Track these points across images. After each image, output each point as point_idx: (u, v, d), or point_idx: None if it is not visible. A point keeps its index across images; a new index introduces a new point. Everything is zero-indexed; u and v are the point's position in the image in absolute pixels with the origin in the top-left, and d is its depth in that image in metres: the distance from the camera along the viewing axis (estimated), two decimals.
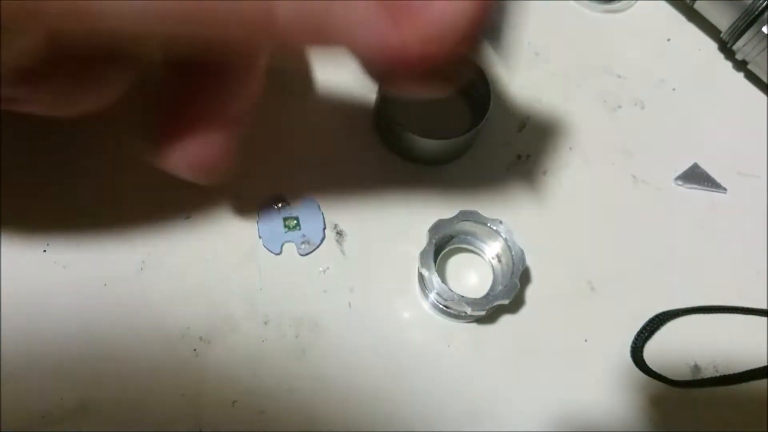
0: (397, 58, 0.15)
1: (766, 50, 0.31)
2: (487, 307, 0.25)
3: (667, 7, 0.35)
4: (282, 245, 0.27)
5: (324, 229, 0.27)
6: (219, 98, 0.19)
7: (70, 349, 0.24)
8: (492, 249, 0.27)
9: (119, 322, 0.25)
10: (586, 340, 0.27)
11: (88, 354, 0.24)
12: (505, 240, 0.26)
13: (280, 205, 0.27)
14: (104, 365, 0.24)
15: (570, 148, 0.31)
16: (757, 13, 0.30)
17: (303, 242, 0.27)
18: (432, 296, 0.26)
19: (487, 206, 0.27)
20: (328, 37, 0.14)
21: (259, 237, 0.27)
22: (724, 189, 0.31)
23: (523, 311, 0.27)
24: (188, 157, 0.19)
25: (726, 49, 0.33)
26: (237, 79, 0.19)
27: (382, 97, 0.28)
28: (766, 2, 0.30)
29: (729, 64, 0.34)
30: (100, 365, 0.24)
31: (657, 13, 0.35)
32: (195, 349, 0.25)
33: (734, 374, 0.27)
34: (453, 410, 0.25)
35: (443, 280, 0.25)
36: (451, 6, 0.14)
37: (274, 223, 0.27)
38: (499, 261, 0.27)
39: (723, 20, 0.32)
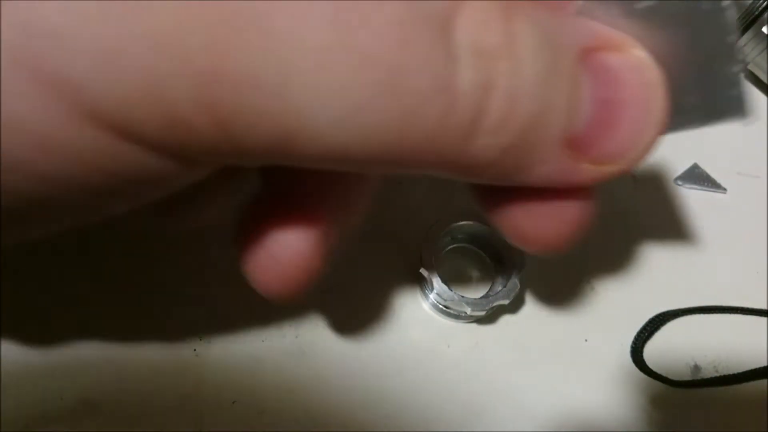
0: (570, 187, 0.14)
1: (766, 50, 0.31)
2: (487, 307, 0.25)
3: None
4: None
5: None
6: (323, 205, 0.17)
7: (70, 349, 0.24)
8: (492, 249, 0.27)
9: (119, 322, 0.25)
10: (586, 340, 0.27)
11: (88, 354, 0.24)
12: (505, 240, 0.26)
13: None
14: (104, 365, 0.24)
15: None
16: (757, 13, 0.30)
17: None
18: (432, 296, 0.26)
19: None
20: (513, 176, 0.13)
21: None
22: (724, 189, 0.31)
23: (523, 311, 0.27)
24: (273, 267, 0.16)
25: None
26: (349, 187, 0.17)
27: None
28: (766, 2, 0.30)
29: None
30: (100, 365, 0.24)
31: None
32: (195, 349, 0.25)
33: (734, 374, 0.27)
34: (453, 410, 0.25)
35: (443, 280, 0.25)
36: (636, 135, 0.14)
37: None
38: (499, 261, 0.27)
39: None
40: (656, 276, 0.29)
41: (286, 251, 0.16)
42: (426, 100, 0.11)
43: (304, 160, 0.12)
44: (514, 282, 0.25)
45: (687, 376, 0.27)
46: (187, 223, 0.18)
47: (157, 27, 0.10)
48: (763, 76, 0.32)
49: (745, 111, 0.15)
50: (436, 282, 0.25)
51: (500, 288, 0.25)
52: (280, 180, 0.17)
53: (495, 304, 0.25)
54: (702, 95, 0.15)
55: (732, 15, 0.14)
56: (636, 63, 0.13)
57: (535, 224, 0.16)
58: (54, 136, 0.11)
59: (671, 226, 0.30)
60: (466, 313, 0.25)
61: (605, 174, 0.14)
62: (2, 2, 0.10)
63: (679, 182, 0.31)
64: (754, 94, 0.33)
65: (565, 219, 0.16)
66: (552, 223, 0.16)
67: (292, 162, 0.12)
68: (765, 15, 0.30)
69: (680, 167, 0.31)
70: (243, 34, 0.10)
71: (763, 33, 0.31)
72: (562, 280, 0.28)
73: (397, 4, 0.11)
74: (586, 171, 0.14)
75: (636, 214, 0.30)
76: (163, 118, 0.11)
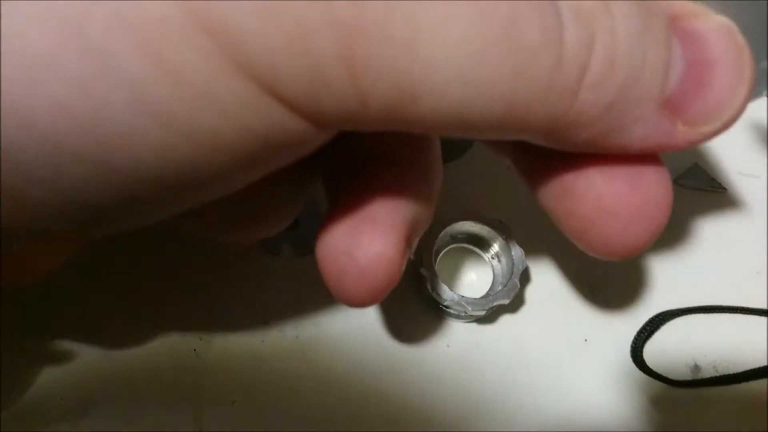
0: (667, 150, 0.15)
1: None
2: (487, 307, 0.25)
3: None
4: (281, 245, 0.27)
5: None
6: (399, 209, 0.16)
7: (70, 348, 0.24)
8: (492, 249, 0.27)
9: (119, 322, 0.25)
10: (586, 340, 0.27)
11: (88, 354, 0.24)
12: (505, 240, 0.26)
13: None
14: (104, 365, 0.24)
15: None
16: None
17: (302, 242, 0.27)
18: (432, 296, 0.26)
19: (487, 206, 0.27)
20: (612, 137, 0.14)
21: None
22: (724, 189, 0.31)
23: (523, 311, 0.27)
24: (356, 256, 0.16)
25: None
26: (419, 190, 0.17)
27: None
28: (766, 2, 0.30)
29: None
30: (100, 365, 0.24)
31: None
32: (195, 349, 0.25)
33: (734, 374, 0.27)
34: (453, 410, 0.25)
35: (443, 280, 0.25)
36: (729, 93, 0.14)
37: None
38: (499, 261, 0.27)
39: None
40: (656, 276, 0.29)
41: (372, 259, 0.15)
42: (537, 54, 0.12)
43: (423, 119, 0.12)
44: (514, 282, 0.25)
45: (687, 376, 0.27)
46: (250, 236, 0.19)
47: None
48: (763, 76, 0.32)
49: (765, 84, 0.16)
50: (436, 282, 0.25)
51: (500, 288, 0.25)
52: (355, 186, 0.17)
53: (495, 304, 0.25)
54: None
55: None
56: (721, 27, 0.14)
57: (617, 227, 0.16)
58: (212, 89, 0.11)
59: (671, 226, 0.30)
60: (466, 313, 0.25)
61: (701, 135, 0.14)
62: None
63: (679, 182, 0.31)
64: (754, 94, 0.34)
65: (648, 216, 0.16)
66: (636, 222, 0.16)
67: (409, 124, 0.12)
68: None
69: (680, 167, 0.31)
70: None
71: None
72: (562, 280, 0.28)
73: None
74: (682, 132, 0.14)
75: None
76: (306, 71, 0.11)
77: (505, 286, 0.25)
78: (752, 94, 0.15)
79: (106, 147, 0.11)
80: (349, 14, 0.11)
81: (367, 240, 0.15)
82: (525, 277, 0.27)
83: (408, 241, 0.16)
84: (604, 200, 0.15)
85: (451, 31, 0.11)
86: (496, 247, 0.27)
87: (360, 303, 0.16)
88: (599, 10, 0.13)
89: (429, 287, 0.25)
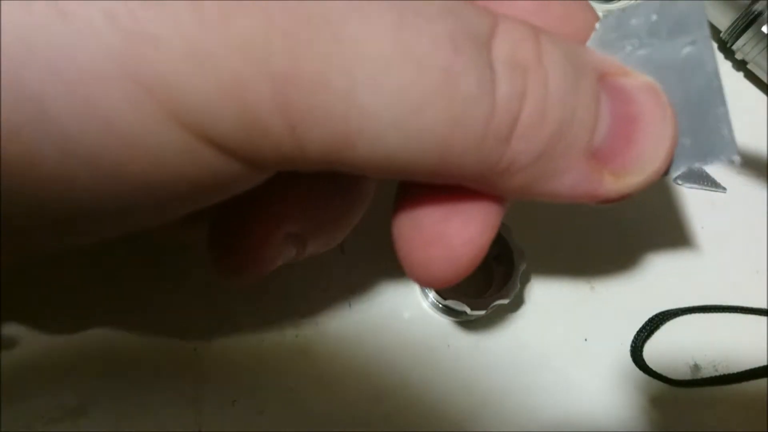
0: (593, 200, 0.15)
1: (766, 50, 0.31)
2: (487, 307, 0.25)
3: None
4: None
5: None
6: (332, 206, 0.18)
7: (70, 348, 0.24)
8: (492, 249, 0.27)
9: (119, 321, 0.25)
10: (586, 340, 0.27)
11: (88, 354, 0.24)
12: (505, 240, 0.26)
13: None
14: (104, 365, 0.24)
15: None
16: (756, 12, 0.30)
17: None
18: (432, 296, 0.26)
19: None
20: (540, 184, 0.14)
21: None
22: (724, 189, 0.31)
23: (523, 311, 0.27)
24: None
25: (726, 48, 0.33)
26: (357, 190, 0.19)
27: None
28: (766, 2, 0.30)
29: (729, 64, 0.34)
30: (100, 365, 0.24)
31: None
32: (195, 349, 0.25)
33: (734, 374, 0.27)
34: (453, 410, 0.25)
35: None
36: (653, 146, 0.15)
37: None
38: (499, 261, 0.27)
39: (723, 20, 0.32)
40: (656, 275, 0.29)
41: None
42: (472, 105, 0.12)
43: (358, 164, 0.13)
44: (514, 282, 0.25)
45: (687, 376, 0.27)
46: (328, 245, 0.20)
47: (244, 32, 0.11)
48: (763, 76, 0.32)
49: (735, 150, 0.16)
50: None
51: (500, 288, 0.25)
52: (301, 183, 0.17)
53: (495, 303, 0.25)
54: (694, 136, 0.16)
55: (713, 61, 0.16)
56: (647, 85, 0.15)
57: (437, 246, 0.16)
58: (141, 137, 0.11)
59: (671, 226, 0.30)
60: (466, 313, 0.25)
61: (626, 187, 0.15)
62: (114, 7, 0.10)
63: (679, 182, 0.31)
64: (753, 93, 0.33)
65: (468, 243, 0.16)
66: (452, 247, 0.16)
67: (346, 166, 0.13)
68: (765, 15, 0.30)
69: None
70: (318, 39, 0.11)
71: (762, 32, 0.31)
72: (562, 280, 0.28)
73: (448, 20, 0.12)
74: (609, 183, 0.15)
75: (636, 213, 0.30)
76: (241, 119, 0.11)
77: (505, 286, 0.25)
78: (673, 150, 0.15)
79: (37, 186, 0.11)
80: (284, 66, 0.11)
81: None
82: (525, 277, 0.27)
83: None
84: (423, 230, 0.16)
85: (390, 83, 0.12)
86: (495, 247, 0.27)
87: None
88: (532, 63, 0.13)
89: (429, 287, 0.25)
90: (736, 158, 0.16)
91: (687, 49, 0.16)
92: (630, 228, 0.29)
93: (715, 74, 0.16)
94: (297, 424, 0.24)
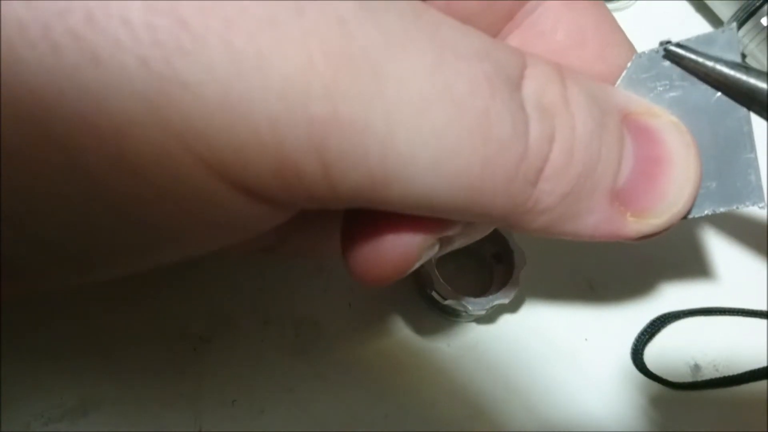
0: (616, 239, 0.15)
1: (765, 42, 0.31)
2: (486, 307, 0.25)
3: (667, 6, 0.35)
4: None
5: None
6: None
7: (70, 348, 0.24)
8: (492, 249, 0.27)
9: (119, 321, 0.25)
10: (586, 340, 0.27)
11: (88, 354, 0.24)
12: (505, 240, 0.26)
13: None
14: (104, 365, 0.24)
15: None
16: (757, 5, 0.31)
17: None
18: (432, 296, 0.26)
19: None
20: (564, 224, 0.14)
21: None
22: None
23: (523, 311, 0.27)
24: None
25: None
26: None
27: None
28: None
29: None
30: (100, 365, 0.24)
31: (657, 12, 0.35)
32: (195, 349, 0.25)
33: (734, 375, 0.27)
34: (453, 410, 0.25)
35: (443, 279, 0.25)
36: (676, 188, 0.15)
37: None
38: (499, 261, 0.27)
39: (726, 11, 0.32)
40: (656, 276, 0.29)
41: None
42: (505, 147, 0.12)
43: (389, 203, 0.12)
44: (514, 282, 0.25)
45: (687, 378, 0.27)
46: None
47: (282, 76, 0.10)
48: (762, 69, 0.32)
49: (762, 196, 0.16)
50: (436, 281, 0.25)
51: (500, 287, 0.25)
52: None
53: (495, 303, 0.25)
54: (720, 180, 0.16)
55: (745, 107, 0.15)
56: (672, 126, 0.15)
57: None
58: (171, 184, 0.11)
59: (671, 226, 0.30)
60: (466, 312, 0.25)
61: (649, 228, 0.15)
62: (145, 56, 0.10)
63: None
64: None
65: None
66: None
67: (374, 204, 0.13)
68: (765, 7, 0.30)
69: None
70: (359, 80, 0.11)
71: (761, 24, 0.31)
72: (562, 280, 0.28)
73: (485, 60, 0.12)
74: (631, 223, 0.15)
75: None
76: (276, 165, 0.11)
77: (505, 286, 0.25)
78: (685, 217, 0.16)
79: (61, 228, 0.11)
80: (324, 109, 0.11)
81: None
82: (525, 277, 0.27)
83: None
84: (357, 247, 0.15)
85: (427, 122, 0.11)
86: (495, 247, 0.27)
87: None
88: (560, 106, 0.13)
89: (429, 286, 0.25)
90: (763, 205, 0.16)
91: (719, 94, 0.16)
92: None
93: (746, 119, 0.16)
94: (297, 424, 0.24)
